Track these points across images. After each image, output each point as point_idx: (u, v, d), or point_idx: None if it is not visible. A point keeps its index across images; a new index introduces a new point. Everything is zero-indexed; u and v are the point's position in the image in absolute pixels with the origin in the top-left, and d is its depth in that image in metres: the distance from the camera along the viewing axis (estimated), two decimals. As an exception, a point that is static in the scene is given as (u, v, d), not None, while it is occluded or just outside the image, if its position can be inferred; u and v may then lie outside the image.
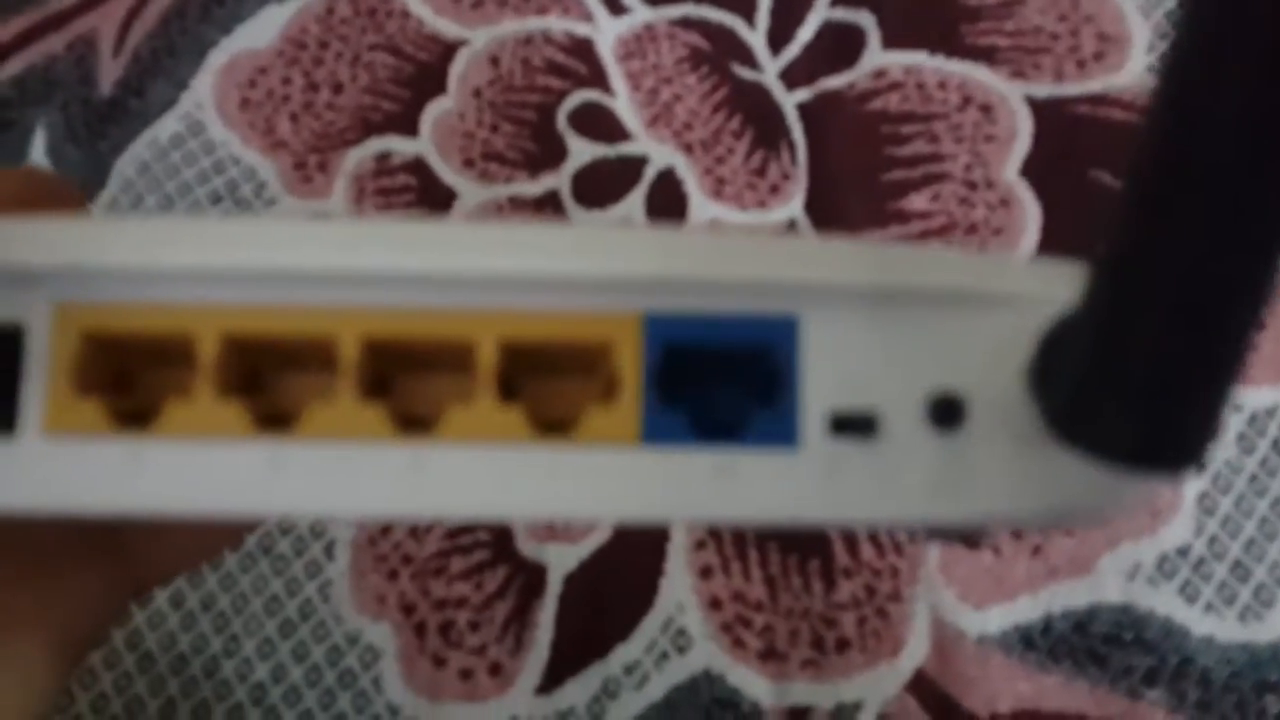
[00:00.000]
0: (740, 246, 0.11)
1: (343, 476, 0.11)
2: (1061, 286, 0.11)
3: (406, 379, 0.12)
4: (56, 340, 0.11)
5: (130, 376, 0.12)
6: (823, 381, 0.11)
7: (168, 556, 0.19)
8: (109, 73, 0.47)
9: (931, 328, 0.11)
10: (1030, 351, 0.11)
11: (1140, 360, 0.09)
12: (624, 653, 0.36)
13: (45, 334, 0.11)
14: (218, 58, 0.47)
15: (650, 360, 0.11)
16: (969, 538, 0.12)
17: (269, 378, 0.12)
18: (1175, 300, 0.08)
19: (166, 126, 0.45)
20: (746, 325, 0.11)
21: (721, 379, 0.11)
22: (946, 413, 0.11)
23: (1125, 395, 0.09)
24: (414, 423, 0.11)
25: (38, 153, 0.46)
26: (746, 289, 0.11)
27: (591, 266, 0.11)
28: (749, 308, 0.11)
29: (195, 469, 0.11)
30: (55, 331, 0.11)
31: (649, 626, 0.36)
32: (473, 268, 0.11)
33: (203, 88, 0.46)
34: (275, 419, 0.11)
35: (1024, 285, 0.11)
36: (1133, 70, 0.44)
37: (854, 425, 0.11)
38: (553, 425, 0.11)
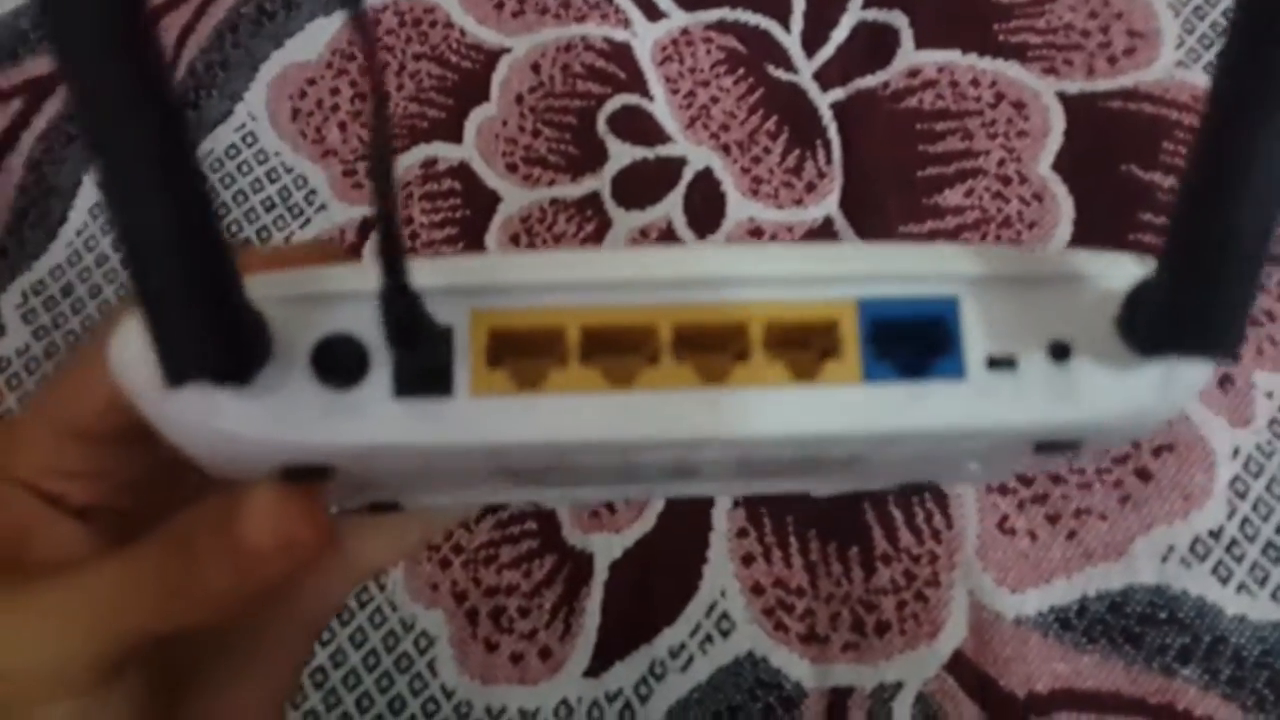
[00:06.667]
0: (914, 252, 0.17)
1: (667, 412, 0.16)
2: (1120, 269, 0.16)
3: (702, 350, 0.16)
4: (474, 334, 0.16)
5: (519, 357, 0.16)
6: (978, 336, 0.16)
7: (379, 554, 0.23)
8: (166, 86, 0.49)
9: (1046, 298, 0.16)
10: (1117, 306, 0.16)
11: (1198, 295, 0.14)
12: (669, 636, 0.37)
13: (466, 331, 0.16)
14: (269, 70, 0.48)
15: (864, 329, 0.16)
16: (1068, 449, 0.18)
17: (610, 354, 0.16)
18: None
19: (222, 138, 0.47)
20: (925, 304, 0.16)
21: (913, 338, 0.16)
22: (1059, 352, 0.16)
23: (1194, 316, 0.15)
24: (711, 377, 0.16)
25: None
26: (924, 279, 0.16)
27: (822, 269, 0.17)
28: (926, 292, 0.16)
29: (572, 413, 0.16)
30: (473, 329, 0.16)
31: (693, 611, 0.37)
32: (744, 273, 0.16)
33: (255, 100, 0.47)
34: (620, 379, 0.16)
35: (1098, 269, 0.16)
36: (1163, 65, 0.44)
37: (1001, 363, 0.16)
38: (803, 374, 0.16)
